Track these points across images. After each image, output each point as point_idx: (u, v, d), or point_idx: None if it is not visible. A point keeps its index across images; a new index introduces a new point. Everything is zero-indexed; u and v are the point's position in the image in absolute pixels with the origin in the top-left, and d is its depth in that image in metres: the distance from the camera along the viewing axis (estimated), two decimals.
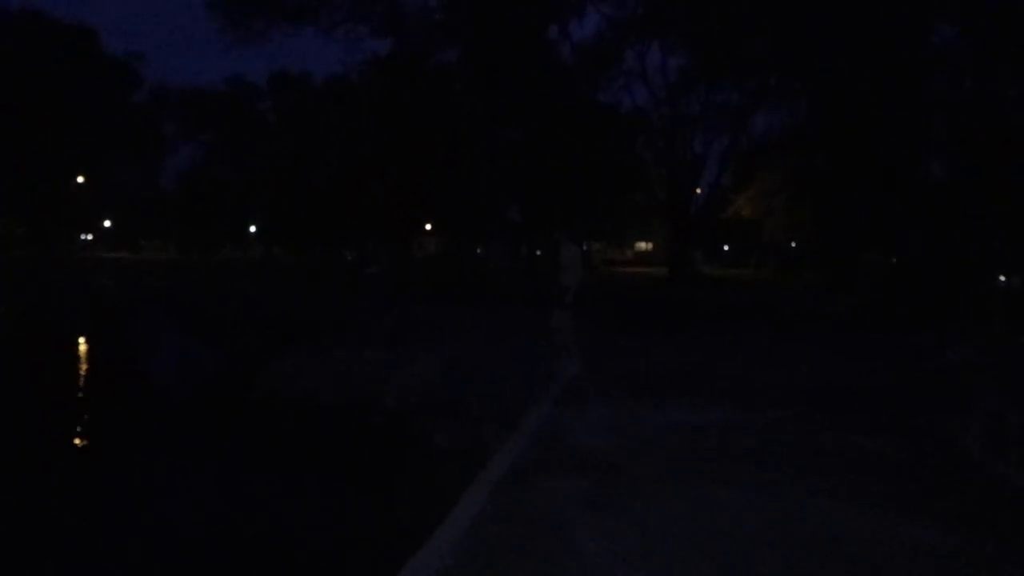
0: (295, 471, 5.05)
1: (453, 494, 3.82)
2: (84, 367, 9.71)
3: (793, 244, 41.10)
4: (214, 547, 3.79)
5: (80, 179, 41.88)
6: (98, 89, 40.06)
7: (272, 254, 46.57)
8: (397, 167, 32.33)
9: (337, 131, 36.66)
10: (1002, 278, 16.31)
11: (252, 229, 49.41)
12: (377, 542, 3.68)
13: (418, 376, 8.02)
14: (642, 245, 59.66)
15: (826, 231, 26.51)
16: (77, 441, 5.91)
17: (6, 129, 36.41)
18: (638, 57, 24.90)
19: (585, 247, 50.32)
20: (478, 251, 38.70)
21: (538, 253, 38.09)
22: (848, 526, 3.50)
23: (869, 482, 4.20)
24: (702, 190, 28.30)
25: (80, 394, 7.96)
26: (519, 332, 11.29)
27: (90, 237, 51.92)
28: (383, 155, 32.92)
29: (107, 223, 50.87)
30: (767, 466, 4.44)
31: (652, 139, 27.33)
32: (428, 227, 42.41)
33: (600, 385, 6.95)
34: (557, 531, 3.32)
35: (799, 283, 28.85)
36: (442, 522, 3.45)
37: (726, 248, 53.74)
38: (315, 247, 44.57)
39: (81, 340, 12.11)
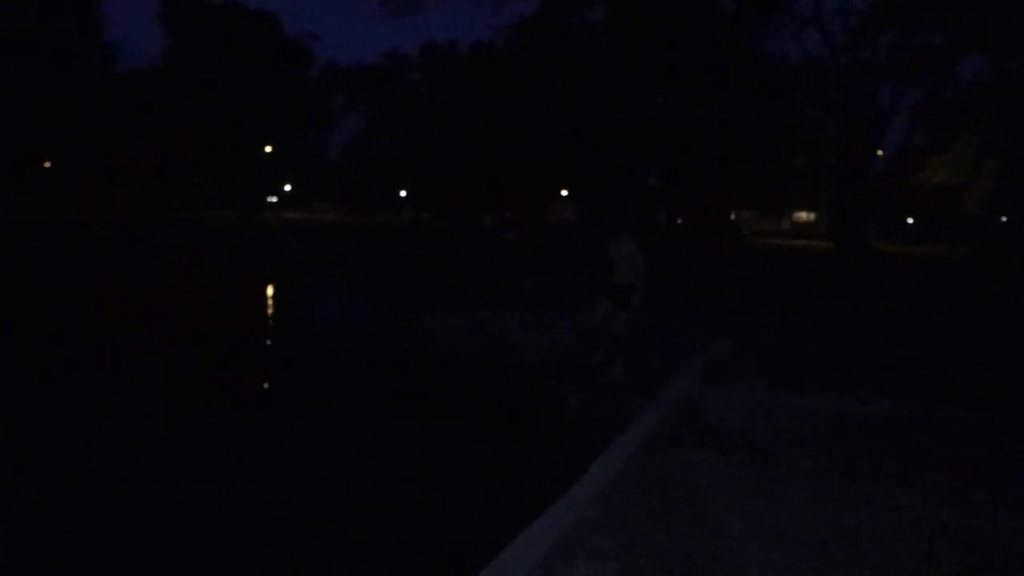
0: (442, 421, 5.54)
1: (591, 455, 3.89)
2: (270, 315, 11.23)
3: (1004, 219, 34.26)
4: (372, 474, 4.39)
5: (267, 149, 47.59)
6: (280, 68, 44.81)
7: (419, 218, 49.26)
8: (536, 131, 31.97)
9: (481, 97, 37.18)
10: None
11: (403, 194, 52.78)
12: (518, 490, 3.86)
13: (553, 339, 7.91)
14: (802, 215, 53.72)
15: None
16: (265, 384, 6.71)
17: (207, 108, 42.21)
18: None
19: (733, 217, 46.35)
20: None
21: (679, 221, 35.95)
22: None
23: None
24: (884, 152, 24.29)
25: (267, 340, 9.14)
26: (654, 304, 10.58)
27: (274, 199, 59.01)
28: (523, 119, 32.74)
29: (287, 187, 57.77)
30: (923, 467, 3.80)
31: (823, 93, 23.79)
32: (564, 193, 41.98)
33: (742, 366, 6.36)
34: (693, 501, 3.29)
35: (1009, 266, 23.95)
36: (581, 478, 3.50)
37: (910, 221, 46.51)
38: (457, 212, 46.31)
39: (268, 292, 13.92)
